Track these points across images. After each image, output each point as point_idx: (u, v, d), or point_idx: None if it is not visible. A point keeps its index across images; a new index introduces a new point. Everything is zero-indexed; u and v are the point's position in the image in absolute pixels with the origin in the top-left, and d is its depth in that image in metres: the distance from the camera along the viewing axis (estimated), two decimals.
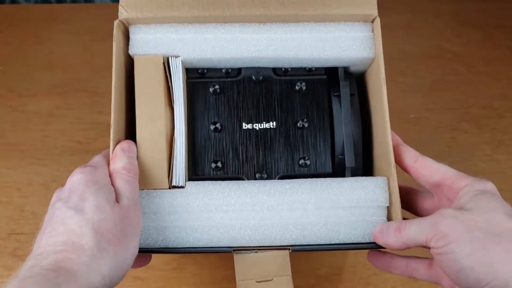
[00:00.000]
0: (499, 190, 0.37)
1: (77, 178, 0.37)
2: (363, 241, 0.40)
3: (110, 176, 0.39)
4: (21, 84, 0.82)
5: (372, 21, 0.43)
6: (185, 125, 0.42)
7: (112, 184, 0.38)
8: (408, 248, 0.37)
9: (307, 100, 0.44)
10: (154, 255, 0.56)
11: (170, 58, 0.42)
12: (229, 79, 0.44)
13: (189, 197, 0.40)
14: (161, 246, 0.40)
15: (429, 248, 0.35)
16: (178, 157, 0.41)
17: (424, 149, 0.42)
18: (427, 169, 0.40)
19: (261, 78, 0.44)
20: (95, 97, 0.76)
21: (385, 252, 0.41)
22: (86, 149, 0.65)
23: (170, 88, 0.42)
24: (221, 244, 0.39)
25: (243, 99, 0.44)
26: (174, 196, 0.40)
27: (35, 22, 0.98)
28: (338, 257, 0.56)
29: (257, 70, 0.44)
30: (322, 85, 0.44)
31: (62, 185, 0.38)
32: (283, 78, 0.44)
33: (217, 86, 0.43)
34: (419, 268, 0.40)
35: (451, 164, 0.40)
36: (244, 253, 0.38)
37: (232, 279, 0.55)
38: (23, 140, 0.68)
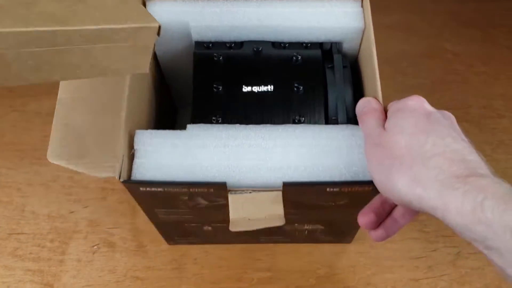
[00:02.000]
0: None
1: None
2: (355, 180, 0.40)
3: None
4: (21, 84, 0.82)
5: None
6: None
7: None
8: None
9: (303, 69, 0.46)
10: (154, 255, 0.56)
11: None
12: (232, 51, 0.47)
13: (190, 138, 0.41)
14: (160, 180, 0.40)
15: None
16: None
17: None
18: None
19: (260, 49, 0.47)
20: None
21: (385, 215, 0.39)
22: None
23: None
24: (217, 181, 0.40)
25: (243, 67, 0.47)
26: (175, 135, 0.41)
27: None
28: (338, 257, 0.56)
29: (258, 44, 0.47)
30: (316, 59, 0.47)
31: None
32: (281, 51, 0.48)
33: (221, 57, 0.47)
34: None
35: None
36: (239, 193, 0.39)
37: (232, 279, 0.55)
38: (23, 140, 0.68)
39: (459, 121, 0.35)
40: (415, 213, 0.37)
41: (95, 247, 0.57)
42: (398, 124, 0.34)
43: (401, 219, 0.37)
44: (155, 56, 0.51)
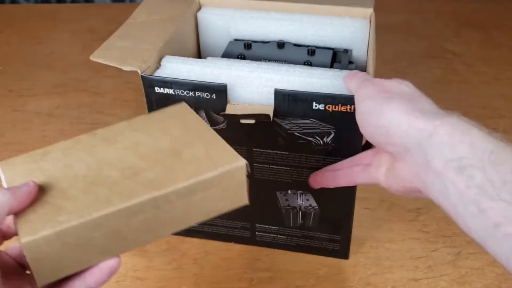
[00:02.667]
0: None
1: None
2: (339, 94, 0.44)
3: None
4: (21, 84, 0.82)
5: (370, 18, 0.54)
6: None
7: None
8: None
9: (315, 59, 0.54)
10: (154, 255, 0.56)
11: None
12: (258, 43, 0.58)
13: (207, 62, 0.49)
14: (170, 77, 0.46)
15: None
16: None
17: None
18: None
19: (283, 43, 0.56)
20: (95, 97, 0.76)
21: (330, 169, 0.45)
22: None
23: None
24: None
25: (266, 51, 0.56)
26: (197, 60, 0.49)
27: (35, 22, 0.99)
28: (338, 257, 0.56)
29: (281, 41, 0.56)
30: (328, 54, 0.55)
31: None
32: (300, 47, 0.56)
33: (250, 44, 0.56)
34: (359, 172, 0.42)
35: None
36: (237, 104, 0.46)
37: (232, 279, 0.55)
38: (23, 140, 0.68)
39: None
40: (353, 181, 0.43)
41: None
42: (394, 80, 0.39)
43: (339, 179, 0.44)
44: (198, 47, 0.61)
